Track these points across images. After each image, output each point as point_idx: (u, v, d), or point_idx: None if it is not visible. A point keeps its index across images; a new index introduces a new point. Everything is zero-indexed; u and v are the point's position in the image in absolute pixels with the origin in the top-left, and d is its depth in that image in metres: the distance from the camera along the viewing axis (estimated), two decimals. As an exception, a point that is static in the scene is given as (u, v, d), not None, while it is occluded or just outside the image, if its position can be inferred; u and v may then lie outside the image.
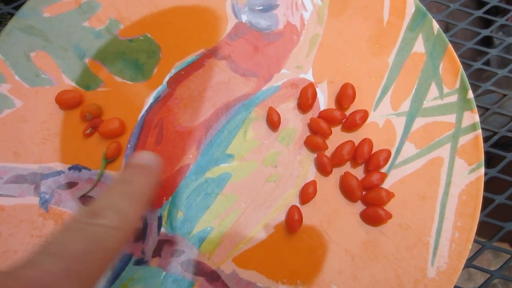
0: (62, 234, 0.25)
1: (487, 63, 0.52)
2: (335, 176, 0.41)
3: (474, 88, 0.49)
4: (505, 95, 0.49)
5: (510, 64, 0.51)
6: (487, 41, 0.54)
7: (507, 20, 0.56)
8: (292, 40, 0.45)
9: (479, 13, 0.55)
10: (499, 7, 0.56)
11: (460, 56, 0.46)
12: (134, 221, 0.29)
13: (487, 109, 0.49)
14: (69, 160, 0.40)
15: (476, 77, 0.46)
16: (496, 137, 0.47)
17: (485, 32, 0.54)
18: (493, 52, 0.52)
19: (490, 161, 0.47)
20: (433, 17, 0.45)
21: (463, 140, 0.41)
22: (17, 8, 0.50)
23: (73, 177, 0.40)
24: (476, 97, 0.49)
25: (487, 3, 0.55)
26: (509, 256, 0.45)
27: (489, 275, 0.44)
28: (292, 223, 0.39)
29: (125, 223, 0.27)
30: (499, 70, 0.51)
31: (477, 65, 0.51)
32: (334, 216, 0.40)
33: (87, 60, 0.43)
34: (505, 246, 0.46)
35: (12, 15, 0.45)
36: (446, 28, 0.55)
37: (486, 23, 0.56)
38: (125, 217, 0.27)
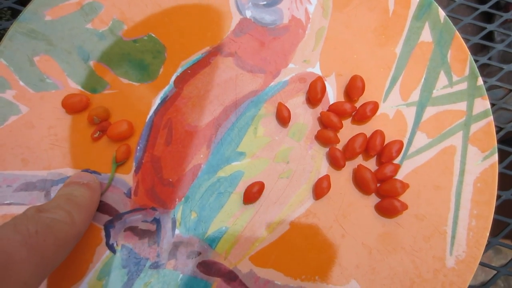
0: (16, 219, 0.29)
1: (489, 58, 0.51)
2: (348, 170, 0.41)
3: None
4: (511, 91, 0.49)
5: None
6: (489, 37, 0.54)
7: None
8: (297, 34, 0.45)
9: (485, 7, 0.54)
10: (499, 2, 0.55)
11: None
12: (81, 225, 0.33)
13: (493, 105, 0.48)
14: (79, 165, 0.40)
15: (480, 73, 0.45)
16: (502, 133, 0.47)
17: (491, 27, 0.53)
18: (498, 47, 0.52)
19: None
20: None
21: (475, 127, 0.41)
22: (16, 3, 0.50)
23: (84, 182, 0.39)
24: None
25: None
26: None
27: (495, 272, 0.44)
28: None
29: (72, 221, 0.31)
30: (504, 65, 0.50)
31: (483, 60, 0.50)
32: (349, 210, 0.40)
33: (92, 63, 0.42)
34: (507, 242, 0.46)
35: (12, 9, 0.44)
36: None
37: (488, 18, 0.55)
38: (71, 216, 0.32)
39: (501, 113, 0.47)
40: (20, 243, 0.27)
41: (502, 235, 0.44)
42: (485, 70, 0.51)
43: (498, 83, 0.48)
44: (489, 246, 0.44)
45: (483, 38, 0.51)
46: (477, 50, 0.53)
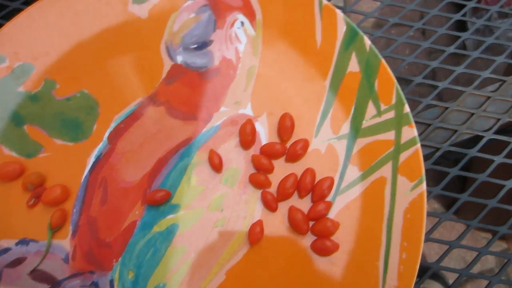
0: None
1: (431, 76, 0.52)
2: (282, 211, 0.42)
3: (416, 104, 0.49)
4: (446, 108, 0.49)
5: (451, 75, 0.51)
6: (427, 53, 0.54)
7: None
8: (229, 75, 0.45)
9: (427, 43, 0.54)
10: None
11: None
12: None
13: (429, 125, 0.48)
14: (15, 234, 0.40)
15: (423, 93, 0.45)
16: (439, 153, 0.47)
17: (425, 45, 0.53)
18: (433, 65, 0.52)
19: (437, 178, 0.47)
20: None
21: (404, 156, 0.41)
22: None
23: (21, 252, 0.40)
24: (417, 113, 0.49)
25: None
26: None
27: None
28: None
29: None
30: (439, 82, 0.50)
31: (418, 79, 0.51)
32: (285, 252, 0.41)
33: (25, 127, 0.43)
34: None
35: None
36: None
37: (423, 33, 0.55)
38: None
39: (437, 132, 0.48)
40: None
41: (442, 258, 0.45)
42: (428, 88, 0.51)
43: (434, 102, 0.49)
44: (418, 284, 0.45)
45: (420, 56, 0.51)
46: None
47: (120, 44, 0.46)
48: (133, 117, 0.44)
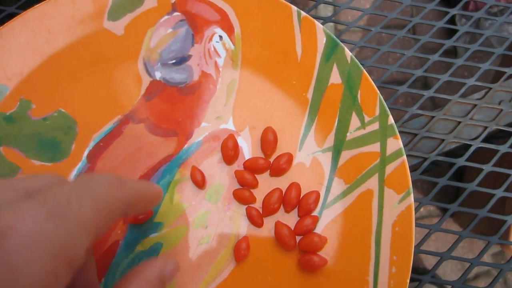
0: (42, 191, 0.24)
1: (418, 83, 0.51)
2: (269, 226, 0.41)
3: (401, 114, 0.49)
4: (433, 117, 0.48)
5: (435, 84, 0.51)
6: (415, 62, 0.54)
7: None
8: (209, 90, 0.45)
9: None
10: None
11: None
12: (131, 190, 0.28)
13: (416, 135, 0.48)
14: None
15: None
16: (426, 163, 0.46)
17: (408, 54, 0.53)
18: (417, 73, 0.52)
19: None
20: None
21: (390, 168, 0.41)
22: None
23: None
24: (403, 123, 0.49)
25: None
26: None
27: None
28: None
29: (120, 183, 0.27)
30: (424, 91, 0.50)
31: (402, 89, 0.50)
32: (272, 268, 0.40)
33: (1, 149, 0.41)
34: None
35: None
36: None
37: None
38: (120, 179, 0.27)
39: (424, 142, 0.47)
40: (45, 217, 0.23)
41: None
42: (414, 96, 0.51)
43: (419, 111, 0.48)
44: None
45: (403, 65, 0.51)
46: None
47: (96, 61, 0.45)
48: (112, 135, 0.43)
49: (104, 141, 0.43)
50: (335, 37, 0.44)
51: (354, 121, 0.43)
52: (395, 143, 0.41)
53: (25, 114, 0.43)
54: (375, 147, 0.42)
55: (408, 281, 0.38)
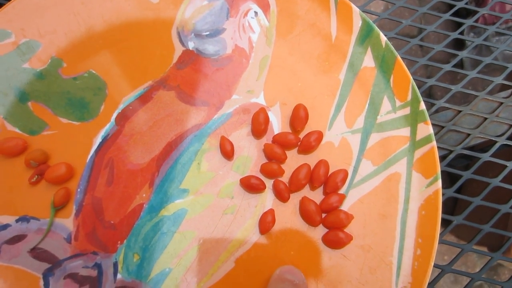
0: None
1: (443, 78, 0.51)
2: (294, 202, 0.41)
3: (429, 106, 0.49)
4: (460, 111, 0.49)
5: (464, 79, 0.51)
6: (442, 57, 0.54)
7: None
8: (241, 64, 0.44)
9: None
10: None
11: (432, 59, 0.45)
12: None
13: (442, 127, 0.48)
14: (16, 211, 0.39)
15: (431, 94, 0.45)
16: (452, 155, 0.46)
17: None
18: (446, 68, 0.52)
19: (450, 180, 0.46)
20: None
21: (419, 153, 0.41)
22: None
23: (21, 229, 0.38)
24: (430, 115, 0.49)
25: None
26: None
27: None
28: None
29: None
30: (452, 86, 0.50)
31: (431, 81, 0.50)
32: (296, 243, 0.39)
33: (30, 104, 0.41)
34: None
35: None
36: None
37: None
38: None
39: (450, 135, 0.47)
40: None
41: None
42: (439, 90, 0.51)
43: (447, 105, 0.48)
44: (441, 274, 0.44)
45: (431, 59, 0.51)
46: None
47: (130, 27, 0.44)
48: (142, 99, 0.43)
49: (134, 105, 0.43)
50: (371, 22, 0.44)
51: (385, 105, 0.43)
52: (426, 129, 0.41)
53: (56, 72, 0.43)
54: (405, 131, 0.42)
55: (432, 263, 0.38)
